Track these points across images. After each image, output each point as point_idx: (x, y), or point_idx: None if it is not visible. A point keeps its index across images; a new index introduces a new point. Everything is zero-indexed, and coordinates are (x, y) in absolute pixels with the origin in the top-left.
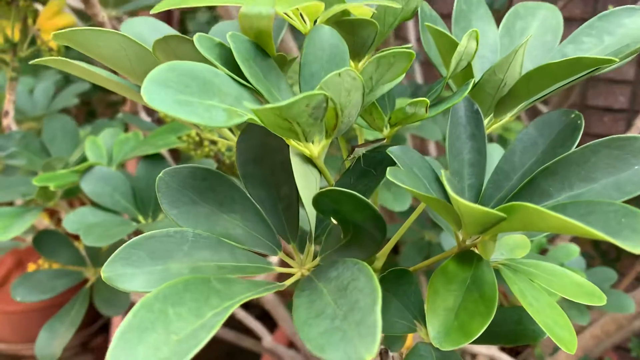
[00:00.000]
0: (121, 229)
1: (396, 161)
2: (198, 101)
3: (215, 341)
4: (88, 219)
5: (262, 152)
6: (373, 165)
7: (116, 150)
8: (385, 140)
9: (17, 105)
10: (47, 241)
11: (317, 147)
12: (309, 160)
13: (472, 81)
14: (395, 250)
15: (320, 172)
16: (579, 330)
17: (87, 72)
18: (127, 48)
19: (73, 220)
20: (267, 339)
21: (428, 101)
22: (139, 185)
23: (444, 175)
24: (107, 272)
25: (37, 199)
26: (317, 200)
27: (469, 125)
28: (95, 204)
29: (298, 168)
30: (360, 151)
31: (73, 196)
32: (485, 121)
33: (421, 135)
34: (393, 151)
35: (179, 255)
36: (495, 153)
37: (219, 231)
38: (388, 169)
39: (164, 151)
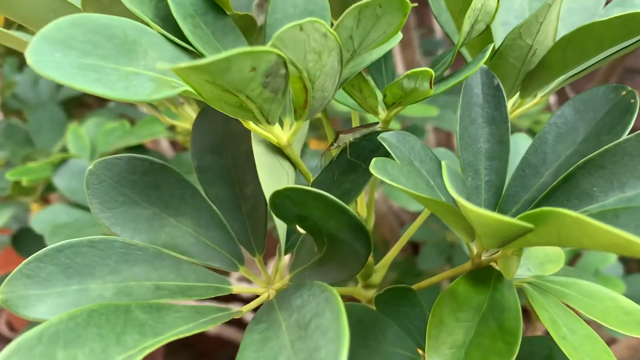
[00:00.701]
0: (95, 229)
1: (390, 151)
2: (112, 67)
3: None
4: (60, 218)
5: (222, 139)
6: (363, 157)
7: (101, 141)
8: (379, 125)
9: (20, 95)
10: (24, 240)
11: (286, 132)
12: (278, 150)
13: (492, 47)
14: (415, 250)
15: (295, 165)
16: (612, 340)
17: (5, 36)
18: (57, 10)
19: (42, 219)
20: None
21: (431, 72)
22: None
23: (445, 169)
24: (5, 292)
25: (12, 194)
26: (274, 203)
27: (487, 105)
28: (69, 202)
29: (262, 160)
30: (346, 138)
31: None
32: (509, 103)
33: (441, 127)
34: (385, 138)
35: (103, 271)
36: (521, 143)
37: (162, 240)
38: (373, 160)
39: (165, 144)
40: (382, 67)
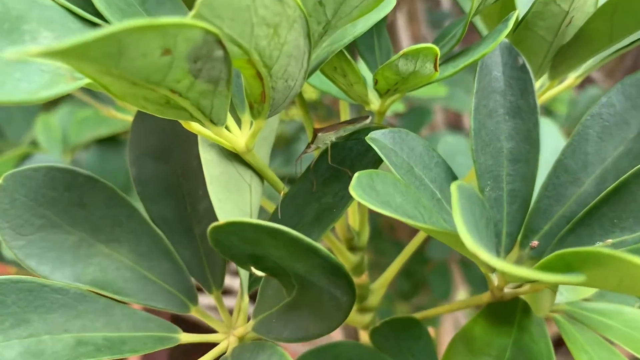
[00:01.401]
0: None
1: (382, 157)
2: None
3: None
4: None
5: (169, 141)
6: (349, 162)
7: (73, 131)
8: (370, 119)
9: None
10: None
11: (243, 133)
12: (235, 157)
13: (515, 15)
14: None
15: (261, 176)
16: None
17: None
18: None
19: None
20: None
21: (436, 49)
22: None
23: (456, 199)
24: None
25: None
26: (216, 240)
27: (510, 91)
28: None
29: (215, 171)
30: (327, 138)
31: None
32: (536, 85)
33: (451, 107)
34: (376, 139)
35: (5, 324)
36: (549, 136)
37: (91, 274)
38: (356, 176)
39: None
40: (374, 43)
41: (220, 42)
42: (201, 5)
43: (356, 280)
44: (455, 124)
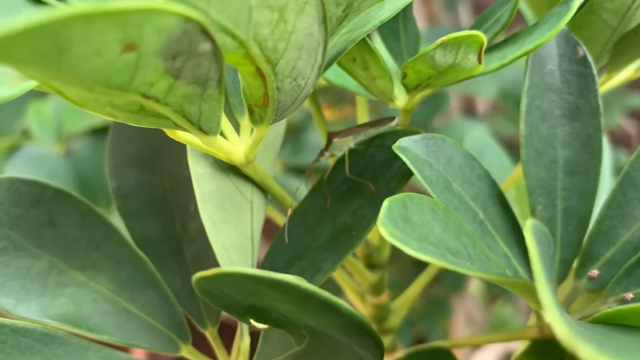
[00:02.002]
0: None
1: (414, 171)
2: None
3: None
4: None
5: (154, 147)
6: (371, 172)
7: (68, 120)
8: (395, 122)
9: None
10: None
11: (243, 141)
12: (233, 169)
13: None
14: None
15: (264, 189)
16: None
17: None
18: None
19: None
20: None
21: (482, 37)
22: (85, 168)
23: (531, 238)
24: None
25: None
26: (205, 291)
27: (568, 89)
28: None
29: (207, 187)
30: (345, 144)
31: None
32: None
33: (471, 93)
34: (405, 148)
35: None
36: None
37: (62, 307)
38: (386, 204)
39: None
40: (398, 28)
41: (206, 33)
42: None
43: (375, 300)
44: (468, 109)
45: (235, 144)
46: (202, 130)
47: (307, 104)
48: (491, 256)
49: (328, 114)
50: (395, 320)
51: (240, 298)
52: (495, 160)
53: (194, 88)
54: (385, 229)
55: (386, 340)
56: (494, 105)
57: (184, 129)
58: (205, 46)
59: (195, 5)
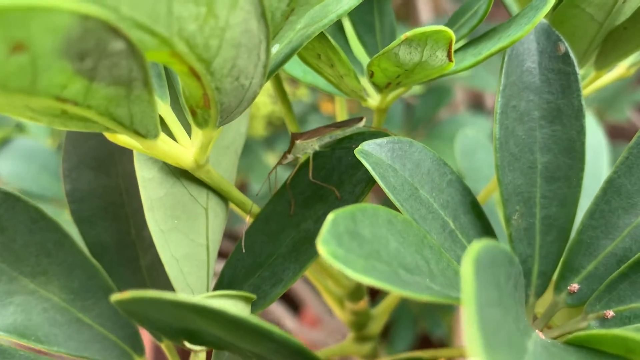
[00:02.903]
0: None
1: (375, 177)
2: None
3: None
4: None
5: (110, 148)
6: (337, 177)
7: None
8: (363, 122)
9: None
10: None
11: (194, 144)
12: (185, 173)
13: None
14: None
15: (221, 194)
16: None
17: None
18: None
19: None
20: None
21: (449, 33)
22: None
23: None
24: None
25: None
26: (130, 312)
27: (548, 88)
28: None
29: (156, 193)
30: (308, 147)
31: None
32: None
33: (474, 86)
34: (367, 152)
35: None
36: (595, 143)
37: (10, 317)
38: (330, 218)
39: None
40: (374, 21)
41: (115, 30)
42: None
43: (354, 306)
44: (476, 103)
45: (186, 146)
46: (139, 133)
47: (305, 98)
48: (459, 270)
49: (329, 107)
50: (375, 327)
51: (169, 321)
52: (487, 157)
53: (117, 89)
54: (325, 247)
55: (366, 348)
56: None
57: (113, 132)
58: (118, 45)
59: (100, 2)
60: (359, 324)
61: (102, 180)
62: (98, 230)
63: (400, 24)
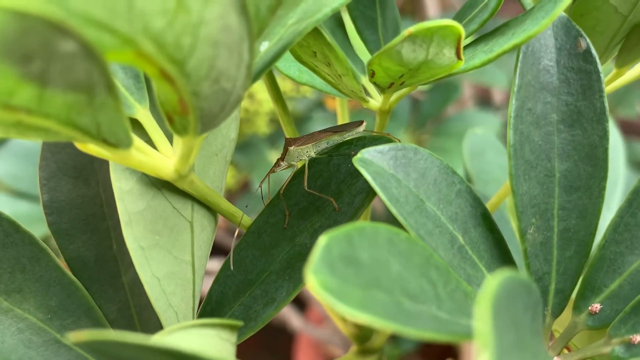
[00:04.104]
0: (39, 226)
1: (376, 188)
2: None
3: None
4: None
5: (88, 157)
6: (335, 186)
7: None
8: (363, 126)
9: None
10: None
11: (175, 152)
12: (167, 185)
13: None
14: None
15: (209, 206)
16: None
17: None
18: None
19: None
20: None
21: (459, 28)
22: None
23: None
24: None
25: None
26: (95, 350)
27: (567, 88)
28: (12, 191)
29: (135, 206)
30: (303, 153)
31: None
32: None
33: (482, 82)
34: (368, 160)
35: None
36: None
37: None
38: (322, 242)
39: None
40: (375, 16)
41: (61, 29)
42: None
43: None
44: (484, 99)
45: (167, 155)
46: (108, 142)
47: (309, 94)
48: (469, 291)
49: (334, 103)
50: (378, 340)
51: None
52: (496, 158)
53: (77, 96)
54: (316, 277)
55: None
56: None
57: (82, 142)
58: (68, 45)
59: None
60: (362, 337)
61: (82, 190)
62: (77, 244)
63: (406, 19)
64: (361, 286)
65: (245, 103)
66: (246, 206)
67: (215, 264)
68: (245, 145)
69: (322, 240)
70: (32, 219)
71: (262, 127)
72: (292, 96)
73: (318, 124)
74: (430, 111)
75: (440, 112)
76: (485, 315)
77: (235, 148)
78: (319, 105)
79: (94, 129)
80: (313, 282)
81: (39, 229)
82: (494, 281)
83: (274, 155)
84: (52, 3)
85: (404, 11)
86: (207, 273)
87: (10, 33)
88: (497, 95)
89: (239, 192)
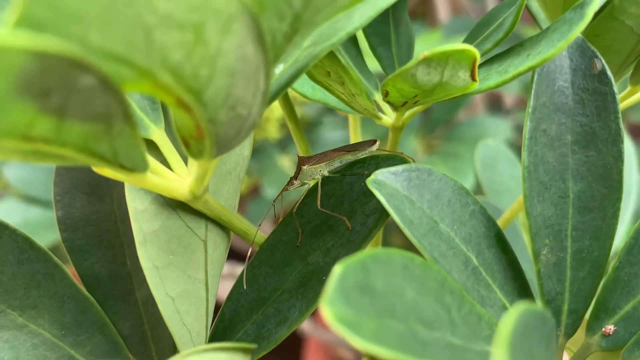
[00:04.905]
0: (51, 232)
1: (389, 210)
2: None
3: None
4: (11, 218)
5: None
6: (348, 205)
7: None
8: (376, 146)
9: None
10: None
11: (190, 172)
12: (181, 205)
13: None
14: None
15: (223, 225)
16: None
17: None
18: None
19: None
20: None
21: (474, 52)
22: None
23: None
24: None
25: None
26: None
27: (582, 110)
28: (24, 196)
29: (149, 226)
30: (316, 172)
31: None
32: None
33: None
34: (382, 182)
35: None
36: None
37: None
38: (337, 272)
39: None
40: (389, 33)
41: (81, 65)
42: (29, 2)
43: None
44: (495, 103)
45: (182, 176)
46: (125, 167)
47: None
48: (482, 314)
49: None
50: None
51: None
52: (509, 169)
53: (94, 125)
54: (332, 309)
55: None
56: (521, 99)
57: (100, 165)
58: (87, 80)
59: (63, 29)
60: None
61: (96, 206)
62: (91, 260)
63: (416, 22)
64: (376, 316)
65: None
66: (259, 225)
67: (226, 268)
68: (255, 151)
69: (337, 269)
70: (44, 225)
71: (273, 132)
72: (302, 101)
73: (328, 129)
74: (441, 116)
75: (451, 117)
76: (503, 354)
77: None
78: (330, 110)
79: (111, 155)
80: (329, 314)
81: (51, 235)
82: (510, 321)
83: (284, 160)
84: (72, 40)
85: (415, 14)
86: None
87: (31, 72)
88: (508, 99)
89: (248, 197)
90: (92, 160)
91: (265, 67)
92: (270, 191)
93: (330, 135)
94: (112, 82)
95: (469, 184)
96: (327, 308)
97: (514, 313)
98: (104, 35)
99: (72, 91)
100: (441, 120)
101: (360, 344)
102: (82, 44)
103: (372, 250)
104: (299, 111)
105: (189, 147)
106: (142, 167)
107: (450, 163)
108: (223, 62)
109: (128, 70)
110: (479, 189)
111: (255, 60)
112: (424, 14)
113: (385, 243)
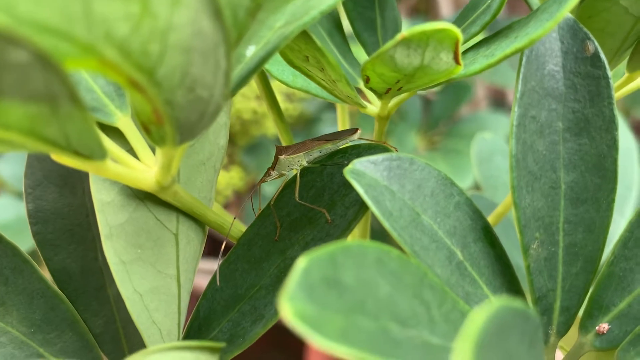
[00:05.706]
0: None
1: (367, 201)
2: None
3: None
4: (5, 215)
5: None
6: (328, 197)
7: None
8: (357, 134)
9: None
10: None
11: (157, 162)
12: (151, 197)
13: None
14: None
15: (195, 218)
16: None
17: None
18: None
19: None
20: None
21: (456, 32)
22: None
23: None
24: None
25: None
26: None
27: (574, 95)
28: (18, 193)
29: (115, 218)
30: (294, 162)
31: None
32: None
33: (495, 82)
34: (360, 172)
35: None
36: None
37: None
38: (301, 265)
39: None
40: (374, 17)
41: (11, 38)
42: None
43: None
44: (498, 99)
45: (149, 165)
46: (81, 154)
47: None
48: (466, 311)
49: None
50: None
51: None
52: (505, 163)
53: (38, 107)
54: (292, 304)
55: None
56: None
57: (54, 152)
58: (19, 55)
59: None
60: None
61: (68, 199)
62: (62, 255)
63: (419, 18)
64: (343, 312)
65: (253, 105)
66: (234, 218)
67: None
68: (254, 147)
69: (301, 262)
70: None
71: (271, 128)
72: (302, 97)
73: (328, 125)
74: (443, 112)
75: (453, 113)
76: (466, 355)
77: (243, 149)
78: (330, 106)
79: (63, 140)
80: (288, 310)
81: None
82: (481, 314)
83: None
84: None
85: (418, 10)
86: (203, 272)
87: None
88: (511, 96)
89: (247, 193)
90: (42, 145)
91: (225, 45)
92: (268, 188)
93: (329, 132)
94: (50, 58)
95: (469, 180)
96: (286, 304)
97: (487, 309)
98: (34, 4)
99: (4, 67)
100: (443, 116)
101: (323, 343)
102: (9, 15)
103: (342, 242)
104: (299, 107)
105: (149, 133)
106: (100, 154)
107: (451, 159)
108: (175, 38)
109: (68, 45)
110: (476, 186)
111: (213, 36)
112: (427, 11)
113: (380, 235)
